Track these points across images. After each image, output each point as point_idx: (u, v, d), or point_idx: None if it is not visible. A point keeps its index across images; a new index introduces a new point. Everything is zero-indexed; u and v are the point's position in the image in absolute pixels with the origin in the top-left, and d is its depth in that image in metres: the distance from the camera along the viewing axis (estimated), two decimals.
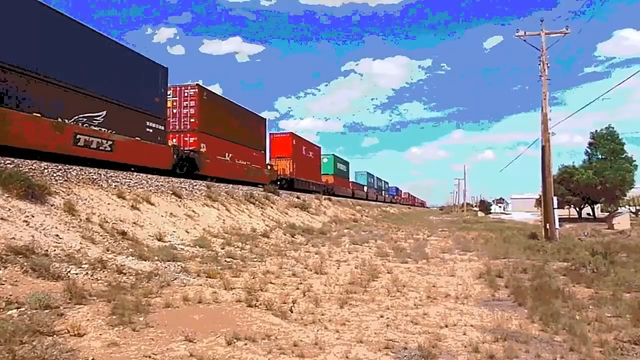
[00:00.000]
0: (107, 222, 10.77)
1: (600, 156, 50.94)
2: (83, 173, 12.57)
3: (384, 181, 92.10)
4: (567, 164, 53.39)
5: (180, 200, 15.57)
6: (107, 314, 5.71)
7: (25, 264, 6.84)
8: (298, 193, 30.50)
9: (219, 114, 23.75)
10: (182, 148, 20.98)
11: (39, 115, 12.66)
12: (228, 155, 24.75)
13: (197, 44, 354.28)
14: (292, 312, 6.67)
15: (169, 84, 19.99)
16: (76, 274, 7.28)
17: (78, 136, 14.07)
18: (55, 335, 4.87)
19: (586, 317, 6.51)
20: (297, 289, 8.40)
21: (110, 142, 15.43)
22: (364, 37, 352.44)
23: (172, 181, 16.73)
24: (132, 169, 16.23)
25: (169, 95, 20.61)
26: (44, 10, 13.10)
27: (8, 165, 10.24)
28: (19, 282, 6.33)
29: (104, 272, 7.77)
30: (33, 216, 8.95)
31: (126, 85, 16.60)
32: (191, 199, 16.33)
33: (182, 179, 17.86)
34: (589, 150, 52.63)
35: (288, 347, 5.13)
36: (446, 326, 6.23)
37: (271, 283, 8.71)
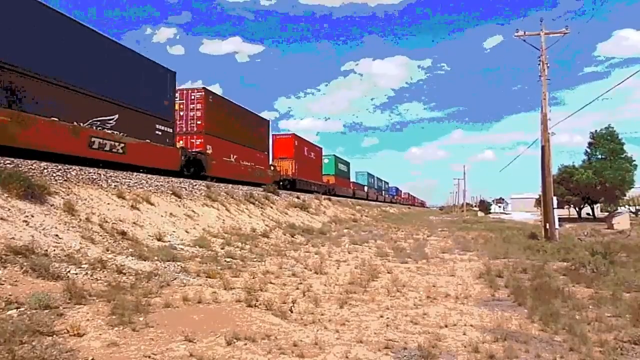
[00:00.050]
0: (106, 222, 10.77)
1: (600, 156, 51.02)
2: (83, 173, 12.56)
3: (384, 181, 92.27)
4: (566, 163, 53.48)
5: (180, 200, 15.57)
6: (107, 314, 5.71)
7: (25, 264, 6.84)
8: (298, 193, 30.60)
9: (224, 116, 24.29)
10: (189, 150, 21.43)
11: (56, 119, 13.23)
12: (233, 157, 25.20)
13: (197, 44, 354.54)
14: (291, 312, 6.67)
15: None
16: (76, 274, 7.28)
17: (93, 139, 14.63)
18: (54, 335, 4.87)
19: (586, 317, 6.51)
20: (297, 289, 8.40)
21: (122, 145, 15.96)
22: (363, 37, 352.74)
23: (171, 181, 16.73)
24: (141, 170, 16.57)
25: (176, 98, 21.07)
26: (65, 20, 13.92)
27: (7, 165, 10.24)
28: (18, 282, 6.33)
29: (103, 272, 7.76)
30: (33, 216, 8.94)
31: (137, 89, 17.19)
32: (191, 199, 16.33)
33: (181, 179, 17.87)
34: (588, 150, 52.70)
35: (288, 347, 5.13)
36: (446, 326, 6.23)
37: (271, 283, 8.71)
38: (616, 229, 30.81)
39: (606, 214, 52.76)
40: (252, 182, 25.80)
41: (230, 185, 21.66)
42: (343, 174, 54.24)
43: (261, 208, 21.03)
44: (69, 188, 11.39)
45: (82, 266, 7.70)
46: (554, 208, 19.82)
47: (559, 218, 23.43)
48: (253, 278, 8.94)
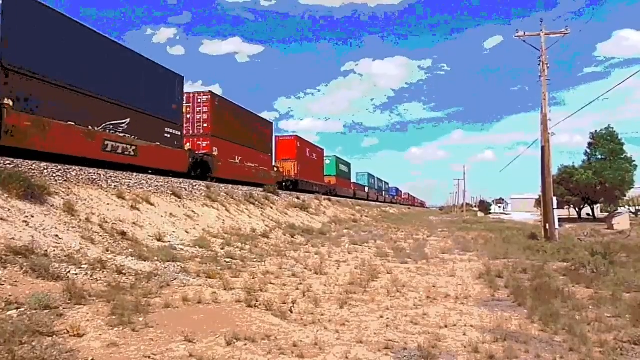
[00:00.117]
0: (106, 222, 10.77)
1: (599, 156, 51.01)
2: (82, 173, 12.57)
3: (385, 182, 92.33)
4: (566, 164, 53.46)
5: (180, 201, 15.57)
6: (107, 315, 5.71)
7: (25, 264, 6.84)
8: (298, 193, 30.70)
9: (229, 119, 24.81)
10: (196, 152, 21.92)
11: (73, 124, 13.79)
12: (238, 158, 25.68)
13: (197, 45, 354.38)
14: (291, 312, 6.67)
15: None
16: (76, 274, 7.28)
17: (106, 142, 15.28)
18: (54, 336, 4.87)
19: (586, 318, 6.51)
20: (297, 289, 8.40)
21: (134, 148, 16.58)
22: (363, 38, 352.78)
23: (171, 181, 16.76)
24: (150, 172, 16.97)
25: (184, 101, 21.50)
26: (84, 30, 14.75)
27: (7, 166, 10.24)
28: (18, 282, 6.33)
29: (103, 272, 7.76)
30: (33, 216, 8.95)
31: (147, 93, 17.78)
32: (191, 200, 16.33)
33: (181, 179, 17.90)
34: (588, 150, 52.70)
35: (288, 347, 5.13)
36: (446, 326, 6.23)
37: (271, 283, 8.71)
38: (616, 230, 30.82)
39: (606, 214, 52.78)
40: (256, 183, 26.12)
41: (230, 185, 21.70)
42: (344, 175, 54.56)
43: (261, 208, 21.03)
44: (69, 188, 11.39)
45: (82, 266, 7.69)
46: (553, 208, 19.83)
47: (559, 218, 23.42)
48: (253, 278, 8.94)
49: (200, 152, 22.16)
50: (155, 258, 9.45)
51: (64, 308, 5.80)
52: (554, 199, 20.44)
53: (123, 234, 10.55)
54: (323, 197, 35.55)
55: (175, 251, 10.61)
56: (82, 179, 12.31)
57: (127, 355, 4.65)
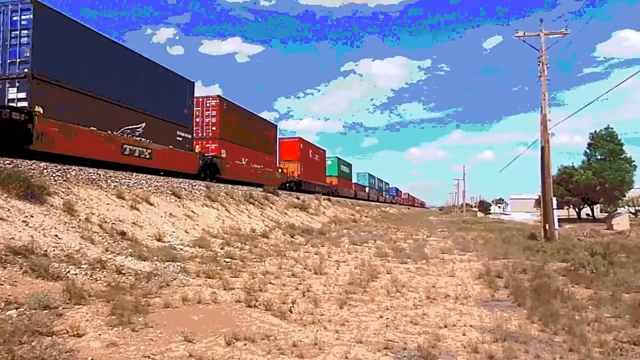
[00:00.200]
0: (106, 222, 10.77)
1: (599, 157, 50.99)
2: (82, 173, 12.57)
3: (385, 182, 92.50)
4: (566, 164, 53.45)
5: (180, 201, 15.56)
6: (107, 314, 5.71)
7: (25, 264, 6.83)
8: (298, 193, 30.83)
9: (236, 122, 25.73)
10: (205, 154, 22.65)
11: (95, 128, 14.76)
12: (244, 160, 26.52)
13: (197, 44, 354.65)
14: (291, 312, 6.67)
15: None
16: (75, 274, 7.27)
17: (124, 146, 16.22)
18: (54, 336, 4.87)
19: (585, 318, 6.51)
20: (297, 289, 8.40)
21: (149, 151, 17.54)
22: (363, 38, 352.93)
23: (171, 181, 16.77)
24: (161, 173, 17.78)
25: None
26: (108, 42, 15.99)
27: (7, 165, 10.24)
28: (18, 282, 6.32)
29: (103, 272, 7.76)
30: (32, 216, 8.94)
31: (161, 99, 18.81)
32: (190, 199, 16.33)
33: (180, 180, 17.90)
34: (588, 150, 52.69)
35: (287, 347, 5.13)
36: (445, 326, 6.23)
37: (270, 283, 8.71)
38: (615, 230, 30.82)
39: (605, 214, 52.81)
40: (261, 184, 26.58)
41: (230, 185, 21.75)
42: (345, 176, 55.16)
43: (261, 208, 21.03)
44: (69, 188, 11.38)
45: (82, 266, 7.69)
46: (553, 209, 19.82)
47: (559, 219, 23.43)
48: (252, 278, 8.94)
49: (209, 154, 22.94)
50: (155, 258, 9.45)
51: (63, 308, 5.80)
52: (554, 199, 20.44)
53: (123, 233, 10.54)
54: (323, 197, 35.64)
55: (175, 251, 10.61)
56: (81, 178, 12.30)
57: (127, 355, 4.65)
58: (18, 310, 5.40)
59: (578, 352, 5.10)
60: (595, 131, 52.32)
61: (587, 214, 58.27)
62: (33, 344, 4.49)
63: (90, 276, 7.41)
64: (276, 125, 33.91)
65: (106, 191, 12.61)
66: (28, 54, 12.55)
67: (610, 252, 12.39)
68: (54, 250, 7.99)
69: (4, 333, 4.50)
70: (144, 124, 17.34)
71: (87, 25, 15.02)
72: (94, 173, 13.02)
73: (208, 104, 23.62)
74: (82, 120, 14.26)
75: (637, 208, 58.01)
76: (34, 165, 11.20)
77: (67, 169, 12.20)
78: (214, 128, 23.54)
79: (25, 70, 12.57)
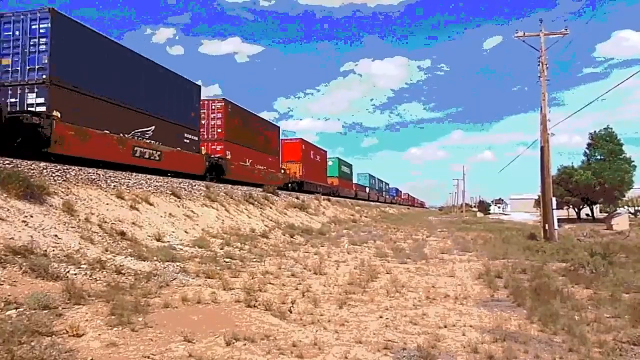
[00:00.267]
0: (106, 222, 10.76)
1: (599, 157, 50.96)
2: (82, 173, 12.57)
3: (385, 182, 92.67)
4: (566, 164, 53.44)
5: (179, 201, 15.56)
6: (106, 314, 5.70)
7: (24, 264, 6.83)
8: (298, 193, 30.90)
9: (240, 124, 26.30)
10: (211, 155, 23.13)
11: (107, 132, 15.31)
12: (248, 161, 27.03)
13: (196, 44, 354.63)
14: (291, 312, 6.67)
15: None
16: (75, 274, 7.27)
17: (135, 148, 16.82)
18: (54, 336, 4.87)
19: (585, 318, 6.51)
20: (296, 289, 8.40)
21: (158, 153, 18.17)
22: (363, 38, 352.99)
23: (171, 181, 16.77)
24: (169, 174, 18.29)
25: None
26: (121, 49, 16.61)
27: (7, 165, 10.23)
28: (17, 282, 6.32)
29: (102, 272, 7.76)
30: (32, 216, 8.94)
31: (170, 102, 19.38)
32: (190, 199, 16.33)
33: (180, 180, 17.92)
34: (587, 151, 52.68)
35: (287, 347, 5.13)
36: (445, 327, 6.23)
37: (270, 283, 8.71)
38: (615, 230, 30.81)
39: (605, 214, 52.80)
40: (265, 185, 26.77)
41: (230, 185, 21.78)
42: (346, 176, 55.49)
43: (260, 208, 21.03)
44: (68, 188, 11.38)
45: (81, 266, 7.69)
46: (553, 209, 19.82)
47: (558, 219, 23.44)
48: (252, 278, 8.94)
49: (214, 155, 23.47)
50: (155, 258, 9.45)
51: (63, 308, 5.80)
52: (553, 199, 20.44)
53: (122, 233, 10.54)
54: (322, 197, 35.71)
55: (175, 251, 10.60)
56: (81, 178, 12.30)
57: (127, 355, 4.65)
58: (18, 310, 5.40)
59: (578, 352, 5.10)
60: (595, 131, 52.36)
61: (587, 214, 58.26)
62: (32, 344, 4.49)
63: (90, 276, 7.41)
64: (278, 127, 34.36)
65: (106, 191, 12.60)
66: (46, 61, 13.11)
67: (609, 252, 12.39)
68: (53, 250, 7.99)
69: (3, 333, 4.50)
70: (153, 127, 17.87)
71: (101, 33, 15.69)
72: (93, 173, 13.02)
73: (213, 107, 24.21)
74: (96, 124, 14.81)
75: (636, 208, 57.99)
76: (33, 165, 11.19)
77: (67, 169, 12.20)
78: (219, 130, 24.09)
79: (44, 76, 13.10)
